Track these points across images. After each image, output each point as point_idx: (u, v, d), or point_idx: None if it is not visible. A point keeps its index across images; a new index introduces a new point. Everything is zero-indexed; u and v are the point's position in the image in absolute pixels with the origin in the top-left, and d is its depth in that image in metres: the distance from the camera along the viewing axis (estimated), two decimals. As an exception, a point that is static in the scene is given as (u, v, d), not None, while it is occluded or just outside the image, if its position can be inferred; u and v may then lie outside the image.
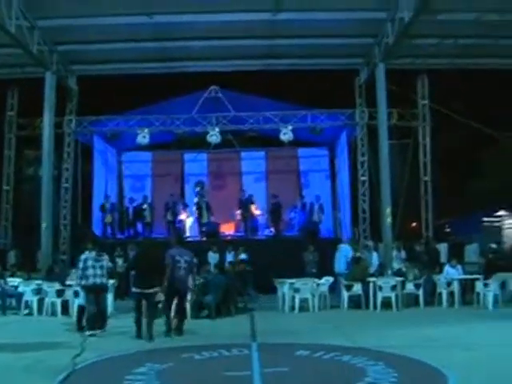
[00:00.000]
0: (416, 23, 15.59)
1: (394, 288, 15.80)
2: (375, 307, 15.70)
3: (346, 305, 16.03)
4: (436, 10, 15.26)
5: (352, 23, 17.47)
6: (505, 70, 20.81)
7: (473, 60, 20.01)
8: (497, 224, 25.72)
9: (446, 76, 21.62)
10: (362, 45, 19.26)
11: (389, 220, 17.93)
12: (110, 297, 14.42)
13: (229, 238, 22.35)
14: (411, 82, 21.98)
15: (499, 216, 25.90)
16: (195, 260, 13.16)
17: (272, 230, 22.68)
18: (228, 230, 23.27)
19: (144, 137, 20.94)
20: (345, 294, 16.14)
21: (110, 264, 13.26)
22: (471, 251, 19.88)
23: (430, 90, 22.03)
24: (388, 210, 17.94)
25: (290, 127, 20.93)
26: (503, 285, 16.11)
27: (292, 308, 15.79)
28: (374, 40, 18.62)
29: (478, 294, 16.07)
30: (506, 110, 25.88)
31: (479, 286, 16.10)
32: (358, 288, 16.10)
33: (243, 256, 18.76)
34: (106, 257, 12.90)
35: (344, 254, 17.60)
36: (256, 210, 22.63)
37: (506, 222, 25.71)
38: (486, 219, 25.79)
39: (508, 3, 15.44)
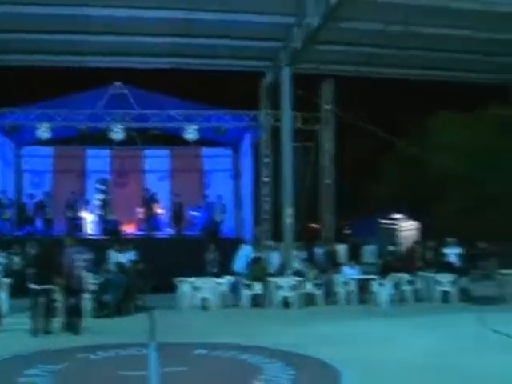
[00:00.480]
0: (323, 30, 15.91)
1: (293, 287, 16.13)
2: (275, 306, 15.96)
3: (246, 304, 16.21)
4: (342, 17, 15.58)
5: (260, 26, 17.45)
6: (404, 79, 21.70)
7: (376, 69, 20.60)
8: (393, 226, 26.66)
9: (352, 82, 22.16)
10: (269, 48, 19.29)
11: (289, 220, 18.21)
12: (4, 295, 13.97)
13: (130, 236, 22.03)
14: (317, 86, 22.38)
15: (396, 219, 26.86)
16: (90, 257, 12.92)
17: (174, 228, 22.55)
18: (129, 228, 22.91)
19: (45, 131, 20.34)
20: (245, 293, 16.31)
21: (6, 261, 12.93)
22: (369, 252, 20.53)
23: (335, 95, 22.44)
24: (288, 211, 18.21)
25: (195, 126, 20.93)
26: (398, 285, 16.85)
27: (192, 307, 15.80)
28: (281, 44, 18.73)
29: (374, 293, 16.69)
30: (403, 116, 26.99)
31: (375, 285, 16.73)
32: (258, 287, 16.33)
33: (131, 256, 17.61)
34: (1, 253, 12.58)
35: (245, 253, 17.74)
36: (159, 209, 22.46)
37: (402, 224, 26.70)
38: (383, 222, 26.67)
39: (411, 16, 16.01)
